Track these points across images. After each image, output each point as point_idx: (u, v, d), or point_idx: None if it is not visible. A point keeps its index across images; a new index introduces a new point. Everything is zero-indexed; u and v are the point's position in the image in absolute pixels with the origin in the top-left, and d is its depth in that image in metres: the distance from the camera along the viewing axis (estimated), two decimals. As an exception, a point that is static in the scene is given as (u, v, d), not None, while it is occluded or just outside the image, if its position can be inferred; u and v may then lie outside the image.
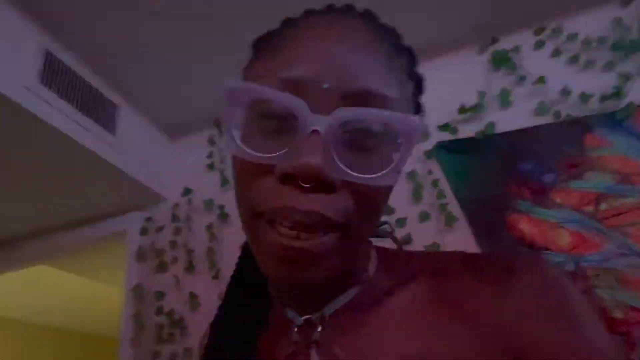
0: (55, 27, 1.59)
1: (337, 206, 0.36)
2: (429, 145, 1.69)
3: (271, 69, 0.39)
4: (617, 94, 1.53)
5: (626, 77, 1.53)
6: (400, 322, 0.41)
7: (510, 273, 0.40)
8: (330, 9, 0.44)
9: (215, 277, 1.76)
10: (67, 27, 1.60)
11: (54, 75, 1.57)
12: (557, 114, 1.59)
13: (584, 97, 1.56)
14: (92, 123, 1.68)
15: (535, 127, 1.62)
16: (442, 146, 1.69)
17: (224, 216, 1.87)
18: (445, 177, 1.63)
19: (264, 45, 0.44)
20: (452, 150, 1.68)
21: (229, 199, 1.89)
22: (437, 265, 0.45)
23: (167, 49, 1.73)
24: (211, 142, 2.04)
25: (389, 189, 0.42)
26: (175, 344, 1.73)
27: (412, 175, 1.65)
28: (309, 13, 0.44)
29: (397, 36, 0.44)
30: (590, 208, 1.47)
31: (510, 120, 1.64)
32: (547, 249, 1.45)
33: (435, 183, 1.61)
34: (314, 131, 0.35)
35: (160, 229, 1.97)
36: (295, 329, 0.45)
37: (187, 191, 1.99)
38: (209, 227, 1.87)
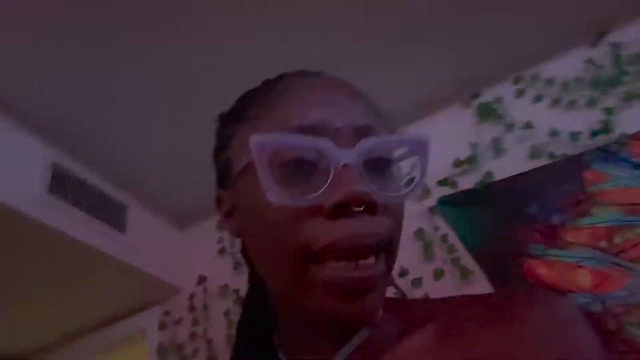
0: (61, 137, 1.69)
1: (384, 225, 0.40)
2: (431, 202, 1.71)
3: (278, 122, 0.42)
4: (606, 127, 1.56)
5: (611, 111, 1.57)
6: None
7: (520, 311, 0.40)
8: (303, 72, 0.50)
9: (238, 365, 1.71)
10: (73, 137, 1.71)
11: (63, 184, 1.65)
12: (551, 155, 1.61)
13: (574, 136, 1.59)
14: (102, 224, 1.73)
15: (533, 169, 1.64)
16: (444, 201, 1.71)
17: (239, 300, 1.85)
18: (453, 231, 1.63)
19: (254, 104, 0.47)
20: (455, 204, 1.70)
21: (243, 283, 1.89)
22: (446, 309, 0.45)
23: (168, 144, 1.82)
24: (219, 227, 2.08)
25: (404, 209, 0.46)
26: None
27: (420, 233, 1.65)
28: (285, 75, 0.49)
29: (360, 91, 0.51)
30: (604, 243, 1.44)
31: (506, 167, 1.67)
32: (569, 291, 1.41)
33: (444, 238, 1.61)
34: (344, 165, 0.39)
35: (178, 321, 1.95)
36: None
37: (201, 279, 2.00)
38: (227, 314, 1.86)
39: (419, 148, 0.44)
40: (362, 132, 0.42)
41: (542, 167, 1.64)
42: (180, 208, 2.14)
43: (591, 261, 1.44)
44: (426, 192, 1.73)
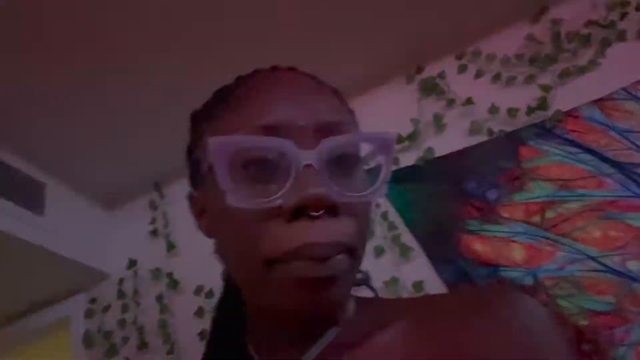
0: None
1: (346, 230, 0.39)
2: (372, 178, 1.67)
3: (243, 121, 0.41)
4: (542, 105, 1.58)
5: (547, 88, 1.58)
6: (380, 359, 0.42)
7: (482, 308, 0.41)
8: (275, 68, 0.49)
9: (170, 351, 1.63)
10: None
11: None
12: (489, 131, 1.62)
13: (512, 112, 1.60)
14: (14, 206, 1.56)
15: (472, 146, 1.64)
16: (386, 178, 1.67)
17: (173, 284, 1.75)
18: (394, 209, 1.61)
19: (223, 102, 0.46)
20: (396, 181, 1.67)
21: (177, 265, 1.79)
22: (413, 308, 0.45)
23: (93, 117, 1.66)
24: (153, 206, 1.95)
25: (371, 207, 0.45)
26: None
27: (360, 211, 1.61)
28: (257, 71, 0.48)
29: (325, 82, 0.50)
30: (537, 218, 1.47)
31: (446, 143, 1.65)
32: (503, 265, 1.43)
33: (384, 216, 1.58)
34: (306, 165, 0.37)
35: (106, 308, 1.82)
36: None
37: (131, 263, 1.87)
38: (159, 299, 1.75)
39: (384, 146, 0.43)
40: (326, 129, 0.41)
41: (481, 143, 1.64)
42: (107, 186, 1.98)
43: (524, 236, 1.46)
44: (367, 169, 1.69)
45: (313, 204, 0.37)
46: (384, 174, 0.43)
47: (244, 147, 0.39)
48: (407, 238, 1.53)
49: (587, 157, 1.51)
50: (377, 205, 1.61)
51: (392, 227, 1.55)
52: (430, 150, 1.65)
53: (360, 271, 0.52)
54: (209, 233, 0.48)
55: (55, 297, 1.92)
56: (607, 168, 1.47)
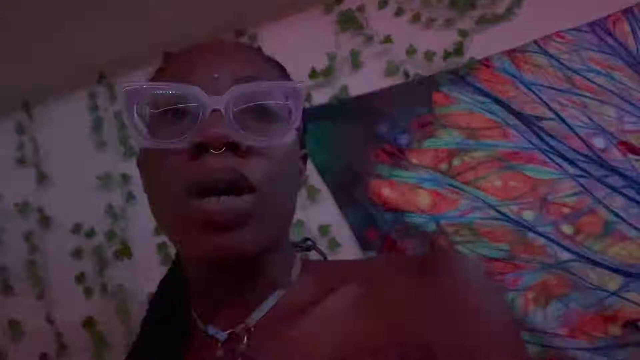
0: None
1: (249, 167, 0.40)
2: (282, 114, 1.54)
3: (166, 76, 0.45)
4: (458, 50, 1.54)
5: (465, 33, 1.54)
6: (327, 329, 0.43)
7: (428, 274, 0.43)
8: (216, 39, 0.58)
9: (40, 296, 1.42)
10: None
11: None
12: (405, 74, 1.55)
13: (429, 55, 1.55)
14: None
15: (387, 88, 1.58)
16: (296, 115, 1.55)
17: (44, 220, 1.51)
18: (302, 148, 1.51)
19: (163, 64, 0.50)
20: (308, 119, 1.55)
21: (49, 199, 1.54)
22: (361, 271, 0.47)
23: None
24: (19, 130, 1.63)
25: (293, 155, 0.48)
26: (-5, 385, 1.37)
27: (266, 148, 1.49)
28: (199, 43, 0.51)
29: (264, 53, 0.52)
30: (444, 165, 1.46)
31: (362, 82, 1.57)
32: (408, 211, 1.42)
33: (292, 155, 1.48)
34: (215, 110, 0.40)
35: (-39, 245, 1.54)
36: (219, 344, 0.45)
37: (-9, 194, 1.58)
38: (27, 236, 1.51)
39: (293, 94, 0.45)
40: (240, 81, 0.42)
41: (396, 85, 1.58)
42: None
43: (431, 182, 1.45)
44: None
45: (213, 140, 0.39)
46: (293, 121, 0.45)
47: (153, 92, 0.42)
48: (315, 179, 1.45)
49: (495, 107, 1.51)
50: (285, 143, 1.50)
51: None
52: (345, 89, 1.56)
53: (306, 239, 0.56)
54: (144, 189, 0.50)
55: None
56: (511, 119, 1.49)
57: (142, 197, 1.49)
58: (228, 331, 0.45)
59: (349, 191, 1.47)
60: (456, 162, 1.46)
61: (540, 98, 1.51)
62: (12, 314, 1.43)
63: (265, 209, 0.42)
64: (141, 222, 1.48)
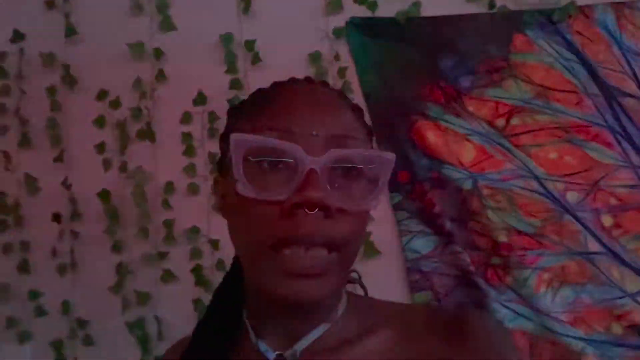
0: None
1: (336, 228, 0.45)
2: (340, 20, 1.36)
3: (265, 123, 0.47)
4: (560, -11, 1.30)
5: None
6: None
7: (464, 336, 0.48)
8: (295, 79, 0.54)
9: (59, 159, 1.40)
10: None
11: None
12: (491, 3, 1.34)
13: (524, -15, 1.31)
14: None
15: (464, 15, 1.37)
16: (355, 23, 1.37)
17: (70, 80, 1.43)
18: (355, 66, 1.36)
19: (245, 108, 0.53)
20: (367, 32, 1.38)
21: (76, 58, 1.44)
22: (402, 317, 0.52)
23: None
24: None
25: (368, 216, 0.51)
26: (9, 232, 1.41)
27: (315, 57, 1.34)
28: (278, 83, 0.54)
29: (348, 99, 0.55)
30: (501, 122, 1.33)
31: (438, 2, 1.36)
32: (448, 162, 1.32)
33: (342, 72, 1.33)
34: (311, 169, 0.43)
35: (-19, 83, 1.48)
36: None
37: (17, 35, 1.47)
38: (51, 91, 1.44)
39: (384, 164, 0.48)
40: (336, 141, 0.46)
41: (476, 15, 1.36)
42: None
43: (481, 137, 1.34)
44: (337, 5, 1.36)
45: (309, 203, 0.42)
46: (380, 189, 0.48)
47: (259, 145, 0.45)
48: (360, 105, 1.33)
49: (579, 69, 1.33)
50: (336, 57, 1.35)
51: (346, 88, 1.33)
52: (417, 5, 1.35)
53: (354, 270, 0.59)
54: (224, 215, 0.54)
55: None
56: (592, 87, 1.32)
57: (173, 79, 1.39)
58: (277, 352, 0.50)
59: (391, 125, 1.36)
60: (515, 121, 1.33)
61: (632, 70, 1.31)
62: (29, 168, 1.42)
63: (343, 264, 0.47)
64: (169, 105, 1.39)
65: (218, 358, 0.52)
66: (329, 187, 0.44)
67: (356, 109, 0.54)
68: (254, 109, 0.51)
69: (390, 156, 0.48)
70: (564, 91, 1.32)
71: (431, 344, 0.48)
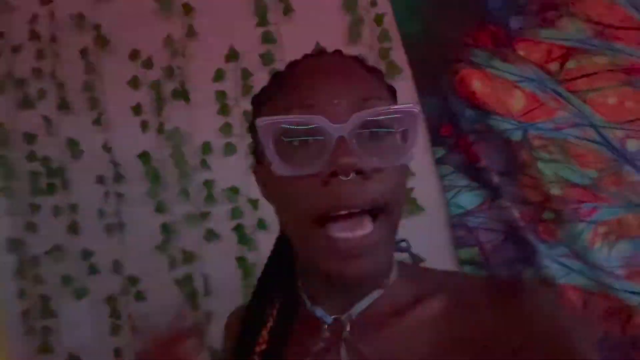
0: None
1: (375, 188, 0.45)
2: (378, -39, 1.26)
3: (289, 102, 0.48)
4: None
5: None
6: (420, 334, 0.48)
7: (513, 302, 0.48)
8: (308, 55, 0.55)
9: (97, 122, 1.41)
10: None
11: None
12: None
13: None
14: None
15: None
16: (393, -36, 1.27)
17: (103, 41, 1.41)
18: (393, 12, 1.27)
19: (275, 86, 0.53)
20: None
21: (107, 19, 1.41)
22: (454, 286, 0.52)
23: None
24: None
25: (406, 172, 0.52)
26: (57, 195, 1.46)
27: (350, 4, 1.25)
28: (305, 57, 0.55)
29: (366, 62, 0.55)
30: (555, 65, 1.22)
31: None
32: (496, 112, 1.24)
33: (379, 19, 1.25)
34: (340, 137, 0.44)
35: (16, 49, 1.48)
36: (326, 327, 0.52)
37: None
38: (83, 53, 1.43)
39: (410, 117, 0.47)
40: (359, 105, 0.46)
41: (527, -53, 1.23)
42: None
43: (532, 83, 1.24)
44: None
45: (343, 171, 0.43)
46: (410, 142, 0.48)
47: (285, 124, 0.45)
48: (399, 55, 1.25)
49: (644, 2, 1.19)
50: (373, 3, 1.26)
51: (384, 36, 1.25)
52: (460, -61, 1.23)
53: (401, 240, 0.59)
54: (268, 199, 0.54)
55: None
56: (660, 23, 1.19)
57: (203, 36, 1.34)
58: (333, 317, 0.52)
59: (434, 74, 1.28)
60: (571, 64, 1.22)
61: None
62: (70, 133, 1.44)
63: (389, 230, 0.47)
64: (201, 62, 1.36)
65: (276, 325, 0.54)
66: (360, 150, 0.44)
67: (375, 71, 0.54)
68: (273, 93, 0.52)
69: (416, 108, 0.47)
70: (626, 28, 1.19)
71: (483, 314, 0.47)
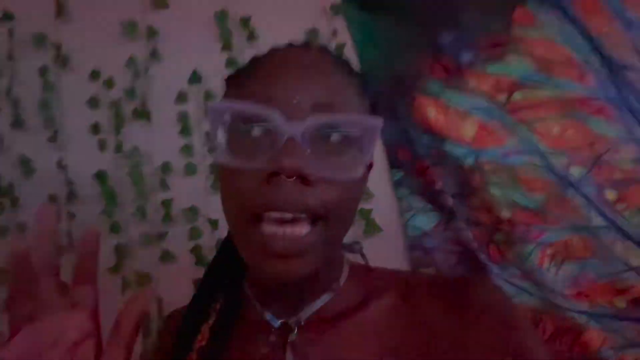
0: None
1: (316, 197, 0.43)
2: (336, -4, 1.34)
3: (251, 92, 0.46)
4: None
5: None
6: (369, 335, 0.48)
7: (464, 301, 0.47)
8: (291, 45, 0.52)
9: (53, 139, 1.37)
10: None
11: None
12: (493, -24, 1.31)
13: (527, -42, 1.28)
14: None
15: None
16: (352, -1, 1.34)
17: (62, 59, 1.40)
18: (353, 42, 1.33)
19: (238, 77, 0.52)
20: (365, 6, 1.35)
21: (67, 37, 1.40)
22: (405, 286, 0.51)
23: None
24: (39, -54, 1.42)
25: (361, 183, 0.50)
26: (5, 214, 1.39)
27: (313, 34, 1.31)
28: (274, 49, 0.52)
29: (347, 63, 0.53)
30: (503, 97, 1.31)
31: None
32: (450, 138, 1.30)
33: (340, 48, 1.31)
34: (291, 137, 0.42)
35: (-29, 64, 1.44)
36: (272, 330, 0.51)
37: (6, 16, 1.43)
38: (42, 71, 1.41)
39: (369, 130, 0.45)
40: (319, 108, 0.44)
41: (477, -12, 1.34)
42: None
43: (482, 112, 1.31)
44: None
45: (287, 171, 0.41)
46: (363, 156, 0.45)
47: (237, 111, 0.44)
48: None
49: (581, 42, 1.30)
50: (334, 33, 1.32)
51: (345, 63, 1.30)
52: (416, -22, 1.32)
53: (356, 242, 0.59)
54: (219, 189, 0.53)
55: None
56: (595, 61, 1.30)
57: (167, 57, 1.36)
58: (281, 320, 0.51)
59: (391, 101, 1.34)
60: (518, 95, 1.31)
61: (635, 44, 1.29)
62: (23, 150, 1.39)
63: (327, 237, 0.45)
64: (163, 84, 1.37)
65: (217, 322, 0.52)
66: (311, 155, 0.42)
67: (351, 75, 0.51)
68: (244, 77, 0.50)
69: (376, 121, 0.45)
70: (566, 65, 1.30)
71: (433, 310, 0.48)
